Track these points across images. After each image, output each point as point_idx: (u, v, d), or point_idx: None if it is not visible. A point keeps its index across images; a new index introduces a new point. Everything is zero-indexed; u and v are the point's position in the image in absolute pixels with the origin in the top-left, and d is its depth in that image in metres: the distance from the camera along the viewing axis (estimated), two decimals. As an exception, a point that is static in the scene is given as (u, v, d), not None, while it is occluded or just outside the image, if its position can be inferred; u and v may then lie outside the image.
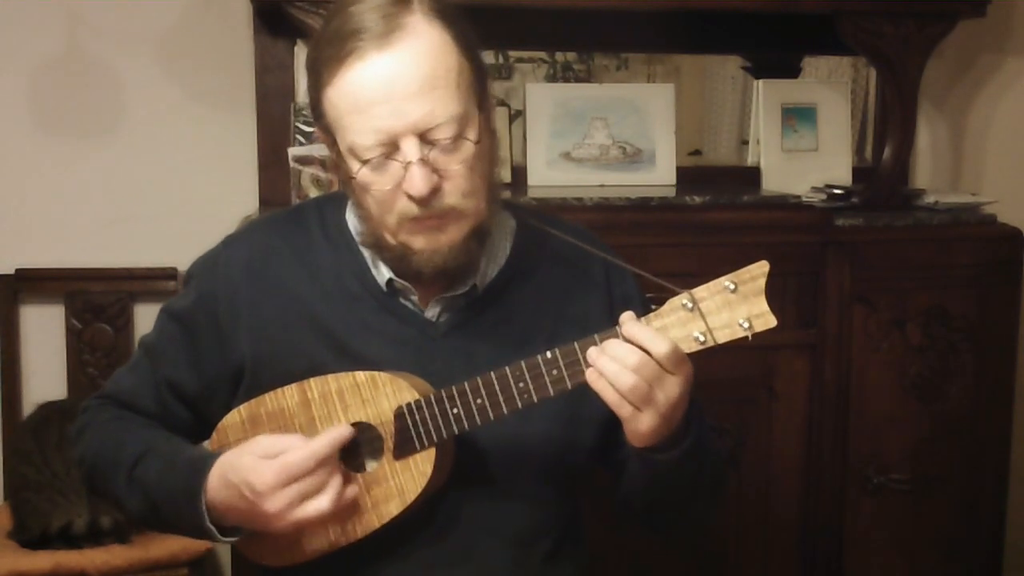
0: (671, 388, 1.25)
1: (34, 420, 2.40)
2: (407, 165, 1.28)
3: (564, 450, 1.44)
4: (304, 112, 2.39)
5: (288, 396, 1.39)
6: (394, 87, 1.27)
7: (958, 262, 2.37)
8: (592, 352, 1.24)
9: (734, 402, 2.28)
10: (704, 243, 2.21)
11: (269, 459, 1.31)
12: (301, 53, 2.48)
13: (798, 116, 2.67)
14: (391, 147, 1.29)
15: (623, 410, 1.25)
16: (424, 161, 1.28)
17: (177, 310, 1.49)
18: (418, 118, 1.27)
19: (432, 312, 1.42)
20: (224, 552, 2.52)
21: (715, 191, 2.39)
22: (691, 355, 1.25)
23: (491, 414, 1.30)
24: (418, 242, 1.34)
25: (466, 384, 1.31)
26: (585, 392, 1.26)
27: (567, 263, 1.48)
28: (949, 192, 2.68)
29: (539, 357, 1.28)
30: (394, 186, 1.30)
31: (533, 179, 2.55)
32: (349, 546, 1.38)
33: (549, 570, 1.46)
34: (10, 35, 2.53)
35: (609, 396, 1.24)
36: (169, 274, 2.57)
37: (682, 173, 2.60)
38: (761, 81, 2.69)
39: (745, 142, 2.80)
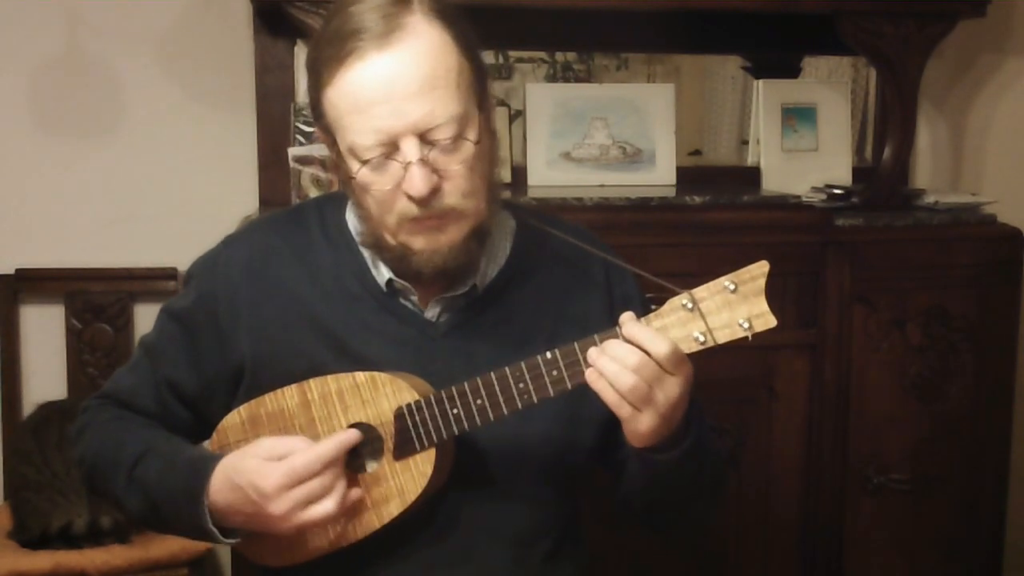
0: (671, 389, 1.25)
1: (34, 420, 2.40)
2: (407, 165, 1.28)
3: (564, 450, 1.44)
4: (304, 112, 2.39)
5: (288, 397, 1.39)
6: (394, 87, 1.27)
7: (958, 262, 2.37)
8: (592, 352, 1.24)
9: (734, 402, 2.28)
10: (704, 243, 2.21)
11: (273, 461, 1.31)
12: (301, 53, 2.48)
13: (798, 116, 2.67)
14: (391, 147, 1.29)
15: (623, 410, 1.25)
16: (424, 161, 1.28)
17: (177, 310, 1.49)
18: (418, 118, 1.27)
19: (432, 312, 1.42)
20: (224, 552, 2.52)
21: (715, 191, 2.39)
22: (691, 355, 1.25)
23: (491, 414, 1.30)
24: (418, 242, 1.34)
25: (466, 385, 1.31)
26: (585, 392, 1.26)
27: (567, 263, 1.48)
28: (949, 192, 2.68)
29: (539, 357, 1.28)
30: (394, 186, 1.30)
31: (533, 179, 2.55)
32: (349, 546, 1.38)
33: (549, 570, 1.46)
34: (10, 35, 2.53)
35: (609, 396, 1.24)
36: (169, 274, 2.57)
37: (682, 173, 2.60)
38: (761, 81, 2.69)
39: (745, 142, 2.80)
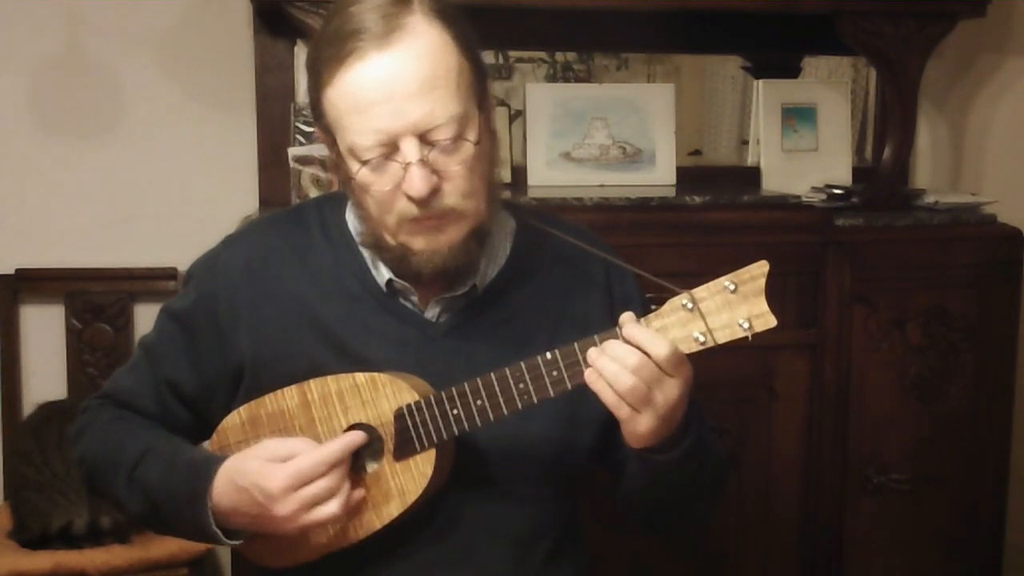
0: (670, 390, 1.25)
1: (34, 420, 2.40)
2: (407, 166, 1.28)
3: (564, 451, 1.44)
4: (304, 112, 2.39)
5: (288, 397, 1.39)
6: (394, 87, 1.27)
7: (958, 262, 2.37)
8: (592, 352, 1.25)
9: (734, 402, 2.28)
10: (704, 243, 2.21)
11: (277, 462, 1.31)
12: (301, 53, 2.48)
13: (798, 116, 2.67)
14: (391, 148, 1.29)
15: (621, 411, 1.25)
16: (424, 162, 1.28)
17: (177, 310, 1.49)
18: (418, 118, 1.27)
19: (432, 312, 1.42)
20: (224, 552, 2.52)
21: (715, 191, 2.39)
22: (691, 355, 1.25)
23: (491, 415, 1.30)
24: (417, 243, 1.34)
25: (466, 385, 1.31)
26: (585, 393, 1.26)
27: (567, 263, 1.48)
28: (949, 192, 2.68)
29: (539, 358, 1.28)
30: (394, 187, 1.30)
31: (533, 179, 2.55)
32: (349, 547, 1.38)
33: (549, 570, 1.46)
34: (10, 35, 2.53)
35: (607, 397, 1.24)
36: (169, 274, 2.57)
37: (682, 173, 2.60)
38: (761, 81, 2.69)
39: (745, 142, 2.80)
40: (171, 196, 2.60)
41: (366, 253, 1.43)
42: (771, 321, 1.22)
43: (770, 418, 2.31)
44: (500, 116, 2.46)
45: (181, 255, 2.10)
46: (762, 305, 1.22)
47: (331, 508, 1.31)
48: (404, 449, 1.34)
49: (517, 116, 2.59)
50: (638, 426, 1.26)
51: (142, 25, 2.55)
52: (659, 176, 2.58)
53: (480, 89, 1.35)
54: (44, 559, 2.21)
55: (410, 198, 1.30)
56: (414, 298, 1.42)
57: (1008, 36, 2.83)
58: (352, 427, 1.35)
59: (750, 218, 2.31)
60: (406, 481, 1.34)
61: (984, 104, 2.85)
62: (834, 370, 2.31)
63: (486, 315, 1.43)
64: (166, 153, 2.60)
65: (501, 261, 1.46)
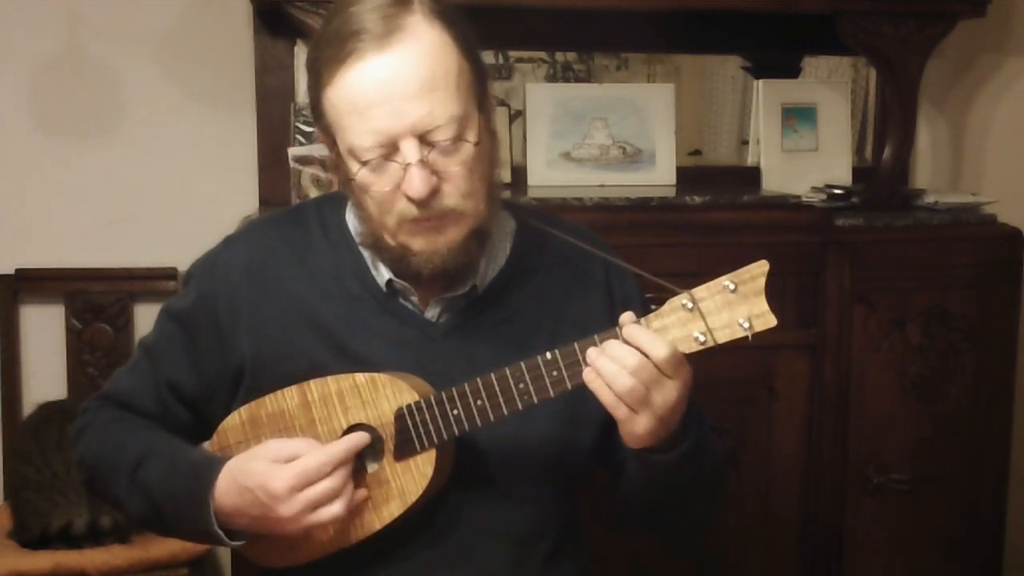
0: (668, 392, 1.25)
1: (34, 420, 2.40)
2: (406, 166, 1.28)
3: (564, 451, 1.44)
4: (304, 112, 2.39)
5: (288, 398, 1.39)
6: (393, 88, 1.27)
7: (958, 262, 2.37)
8: (591, 352, 1.25)
9: (734, 402, 2.28)
10: (704, 243, 2.21)
11: (280, 463, 1.31)
12: (301, 53, 2.48)
13: (798, 116, 2.67)
14: (390, 148, 1.29)
15: (619, 411, 1.25)
16: (423, 163, 1.28)
17: (177, 310, 1.49)
18: (417, 119, 1.27)
19: (432, 313, 1.42)
20: (224, 552, 2.52)
21: (715, 191, 2.39)
22: (691, 355, 1.25)
23: (491, 415, 1.30)
24: (417, 243, 1.34)
25: (466, 385, 1.31)
26: (585, 393, 1.26)
27: (567, 263, 1.48)
28: (949, 192, 2.68)
29: (539, 358, 1.28)
30: (393, 187, 1.30)
31: (533, 179, 2.55)
32: (350, 547, 1.38)
33: (549, 570, 1.46)
34: (10, 35, 2.53)
35: (605, 397, 1.24)
36: (169, 274, 2.57)
37: (682, 173, 2.60)
38: (761, 81, 2.69)
39: (745, 142, 2.80)
40: (171, 196, 2.60)
41: (366, 253, 1.43)
42: (771, 321, 1.22)
43: (770, 418, 2.31)
44: (500, 116, 2.46)
45: (181, 255, 2.10)
46: (762, 305, 1.22)
47: (335, 509, 1.31)
48: (404, 449, 1.34)
49: (517, 116, 2.59)
50: (635, 427, 1.26)
51: (142, 25, 2.55)
52: (659, 176, 2.58)
53: (480, 90, 1.35)
54: (44, 559, 2.21)
55: (410, 199, 1.30)
56: (414, 298, 1.42)
57: (1008, 36, 2.83)
58: (352, 427, 1.36)
59: (750, 218, 2.31)
60: (406, 481, 1.34)
61: (984, 104, 2.85)
62: (834, 370, 2.31)
63: (486, 315, 1.43)
64: (166, 153, 2.60)
65: (501, 261, 1.46)
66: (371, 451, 1.36)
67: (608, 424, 1.36)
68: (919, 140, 2.70)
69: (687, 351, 1.24)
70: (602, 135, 2.58)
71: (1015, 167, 2.85)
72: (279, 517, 1.31)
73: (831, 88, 2.71)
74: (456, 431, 1.32)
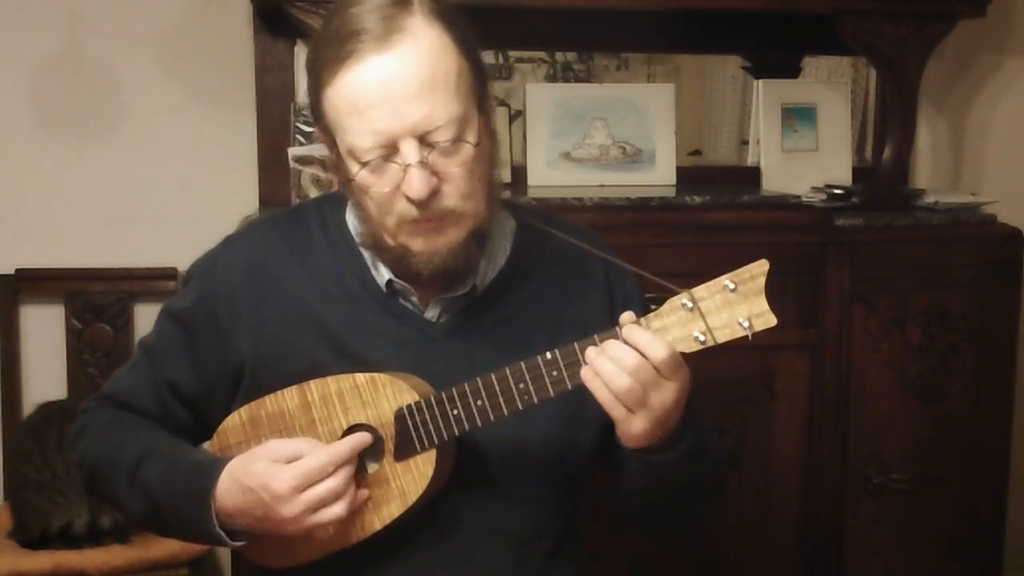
0: (666, 393, 1.25)
1: (34, 420, 2.40)
2: (406, 167, 1.28)
3: (564, 451, 1.44)
4: (304, 112, 2.39)
5: (288, 398, 1.39)
6: (393, 89, 1.27)
7: (958, 262, 2.37)
8: (590, 351, 1.25)
9: (734, 402, 2.28)
10: (704, 243, 2.21)
11: (282, 463, 1.31)
12: (301, 53, 2.48)
13: (798, 116, 2.67)
14: (390, 149, 1.29)
15: (616, 411, 1.25)
16: (423, 163, 1.28)
17: (177, 310, 1.49)
18: (417, 120, 1.27)
19: (432, 313, 1.42)
20: (224, 552, 2.52)
21: (715, 191, 2.39)
22: (691, 355, 1.25)
23: (491, 415, 1.30)
24: (417, 244, 1.34)
25: (466, 385, 1.31)
26: (585, 393, 1.26)
27: (567, 263, 1.48)
28: (949, 192, 2.68)
29: (539, 358, 1.28)
30: (393, 188, 1.30)
31: (533, 179, 2.55)
32: (350, 547, 1.38)
33: (549, 570, 1.46)
34: (10, 35, 2.53)
35: (602, 396, 1.24)
36: (169, 274, 2.57)
37: (682, 173, 2.60)
38: (761, 81, 2.69)
39: (745, 142, 2.80)
40: (171, 196, 2.60)
41: (366, 253, 1.43)
42: (771, 320, 1.22)
43: (770, 418, 2.31)
44: (500, 116, 2.46)
45: (181, 255, 2.10)
46: (762, 304, 1.22)
47: (337, 510, 1.31)
48: (405, 449, 1.34)
49: (517, 116, 2.59)
50: (632, 427, 1.26)
51: (142, 25, 2.55)
52: (659, 176, 2.58)
53: (480, 90, 1.35)
54: (44, 559, 2.21)
55: (409, 200, 1.29)
56: (414, 298, 1.42)
57: (1008, 36, 2.83)
58: (352, 428, 1.36)
59: (750, 218, 2.31)
60: (407, 482, 1.34)
61: (984, 104, 2.85)
62: (834, 370, 2.31)
63: (486, 315, 1.43)
64: (166, 153, 2.60)
65: (501, 261, 1.45)
66: (371, 451, 1.36)
67: (608, 424, 1.35)
68: (919, 140, 2.70)
69: (687, 351, 1.24)
70: (602, 135, 2.58)
71: (1015, 167, 2.85)
72: (281, 517, 1.31)
73: (831, 88, 2.71)
74: (456, 431, 1.32)
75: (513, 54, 2.71)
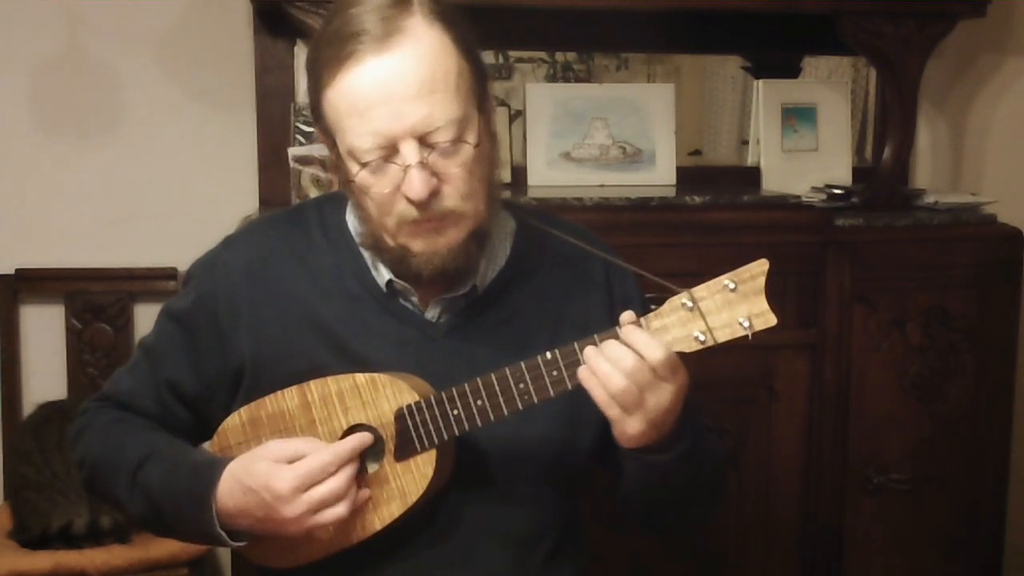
0: (663, 395, 1.25)
1: (34, 420, 2.40)
2: (406, 168, 1.28)
3: (564, 451, 1.44)
4: (304, 112, 2.39)
5: (288, 398, 1.39)
6: (393, 90, 1.27)
7: (958, 262, 2.37)
8: (589, 351, 1.25)
9: (734, 402, 2.28)
10: (704, 243, 2.21)
11: (283, 463, 1.31)
12: (301, 53, 2.48)
13: (798, 116, 2.67)
14: (390, 150, 1.29)
15: (611, 411, 1.25)
16: (423, 164, 1.28)
17: (177, 311, 1.49)
18: (417, 121, 1.27)
19: (432, 313, 1.42)
20: (224, 552, 2.52)
21: (715, 191, 2.39)
22: (691, 355, 1.25)
23: (491, 415, 1.30)
24: (417, 244, 1.33)
25: (466, 385, 1.31)
26: (584, 393, 1.26)
27: (567, 263, 1.48)
28: (949, 192, 2.68)
29: (539, 358, 1.28)
30: (393, 189, 1.30)
31: (533, 179, 2.55)
32: (350, 547, 1.38)
33: (549, 571, 1.46)
34: (10, 35, 2.53)
35: (599, 395, 1.24)
36: (169, 274, 2.57)
37: (682, 173, 2.60)
38: (761, 81, 2.69)
39: (745, 142, 2.80)
40: (171, 196, 2.60)
41: (366, 254, 1.43)
42: (771, 320, 1.22)
43: (770, 418, 2.31)
44: (500, 116, 2.46)
45: (181, 255, 2.10)
46: (762, 304, 1.22)
47: (339, 510, 1.31)
48: (405, 450, 1.34)
49: (517, 116, 2.59)
50: (627, 427, 1.26)
51: (142, 25, 2.55)
52: (659, 176, 2.58)
53: (480, 91, 1.35)
54: (44, 559, 2.21)
55: (409, 200, 1.29)
56: (414, 299, 1.42)
57: (1008, 36, 2.83)
58: (352, 428, 1.36)
59: (750, 218, 2.31)
60: (407, 482, 1.34)
61: (984, 104, 2.85)
62: (834, 370, 2.31)
63: (486, 315, 1.43)
64: (166, 153, 2.60)
65: (501, 261, 1.45)
66: (371, 451, 1.36)
67: (608, 424, 1.35)
68: (919, 140, 2.70)
69: (687, 350, 1.24)
70: (602, 135, 2.58)
71: (1015, 167, 2.85)
72: (282, 518, 1.31)
73: (831, 88, 2.71)
74: (456, 431, 1.32)
75: (513, 54, 2.71)
